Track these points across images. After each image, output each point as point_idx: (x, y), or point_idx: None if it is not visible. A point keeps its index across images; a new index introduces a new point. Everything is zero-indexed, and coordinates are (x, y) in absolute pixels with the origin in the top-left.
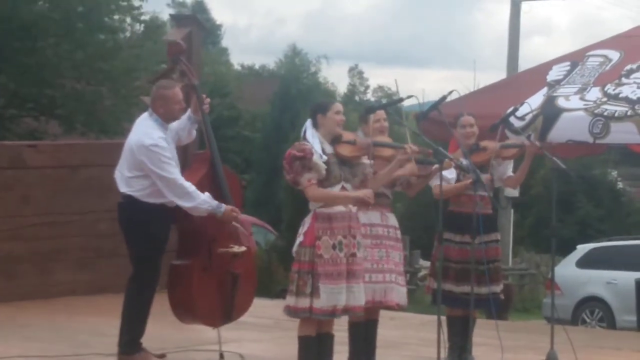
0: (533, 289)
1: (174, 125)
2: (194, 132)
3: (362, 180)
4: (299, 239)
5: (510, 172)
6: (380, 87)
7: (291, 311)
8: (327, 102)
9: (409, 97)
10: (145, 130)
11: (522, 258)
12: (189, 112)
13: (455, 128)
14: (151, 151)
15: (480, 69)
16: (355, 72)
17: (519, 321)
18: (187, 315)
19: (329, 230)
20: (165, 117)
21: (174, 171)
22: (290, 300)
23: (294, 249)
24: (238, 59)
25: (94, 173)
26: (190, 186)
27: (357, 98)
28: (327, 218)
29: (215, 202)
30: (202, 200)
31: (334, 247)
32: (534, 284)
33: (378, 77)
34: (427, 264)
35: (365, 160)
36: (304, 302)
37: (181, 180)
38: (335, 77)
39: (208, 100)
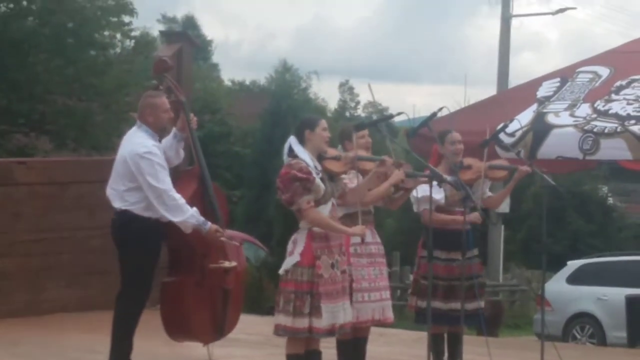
0: (524, 305)
1: (161, 145)
2: (182, 152)
3: (341, 194)
4: (294, 258)
5: (488, 192)
6: (371, 103)
7: (288, 331)
8: (315, 118)
9: (399, 113)
10: (137, 141)
11: (512, 274)
12: (174, 130)
13: (442, 144)
14: (145, 159)
15: (470, 84)
16: (346, 88)
17: (509, 337)
18: (179, 333)
19: (327, 249)
20: (155, 125)
21: (167, 181)
22: (285, 320)
23: (286, 267)
24: (229, 74)
25: (85, 190)
26: (180, 199)
27: (347, 114)
28: (324, 238)
29: (201, 218)
30: (190, 215)
31: (332, 266)
32: (524, 300)
33: (368, 93)
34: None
35: (350, 174)
36: (303, 322)
37: (173, 191)
38: (326, 93)
39: (195, 119)
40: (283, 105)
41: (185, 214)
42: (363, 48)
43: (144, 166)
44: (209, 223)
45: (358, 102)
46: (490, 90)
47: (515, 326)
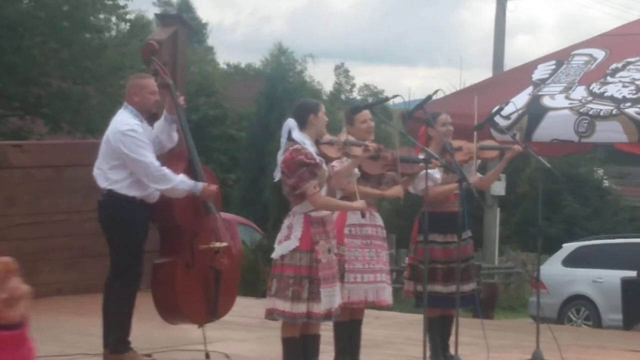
0: (519, 288)
1: (154, 131)
2: (175, 135)
3: (327, 177)
4: (292, 243)
5: (474, 173)
6: (367, 86)
7: (286, 317)
8: (317, 102)
9: (395, 96)
10: (120, 119)
11: (508, 256)
12: (165, 113)
13: (434, 126)
14: (127, 135)
15: (466, 67)
16: (341, 71)
17: (505, 320)
18: (172, 314)
19: (324, 234)
20: (140, 106)
21: (149, 155)
22: (283, 305)
23: (283, 252)
24: (224, 57)
25: (80, 173)
26: (164, 169)
27: (343, 97)
28: (321, 222)
29: (191, 181)
30: (179, 181)
31: (329, 250)
32: (520, 283)
33: (364, 76)
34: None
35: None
36: (301, 308)
37: (156, 163)
38: (321, 76)
39: (182, 98)
40: (278, 88)
41: (172, 181)
42: (358, 31)
43: (126, 143)
44: (200, 183)
45: (353, 85)
46: (486, 73)
47: (510, 308)
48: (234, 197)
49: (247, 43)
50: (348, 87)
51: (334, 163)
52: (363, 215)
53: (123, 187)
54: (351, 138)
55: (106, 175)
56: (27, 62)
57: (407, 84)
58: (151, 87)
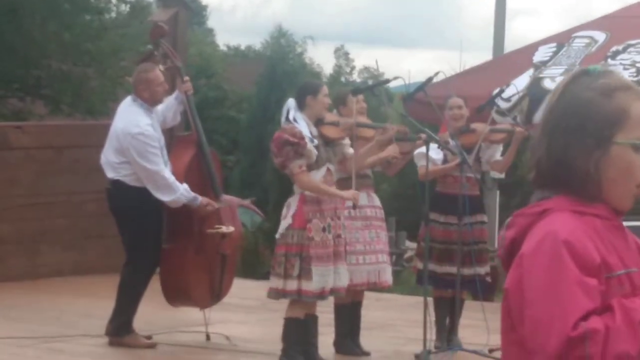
0: None
1: (161, 106)
2: (179, 116)
3: (341, 160)
4: (287, 221)
5: (498, 156)
6: (367, 68)
7: (279, 293)
8: (317, 83)
9: (395, 78)
10: (131, 117)
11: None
12: (176, 92)
13: (444, 109)
14: (137, 140)
15: (466, 50)
16: (341, 53)
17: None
18: (178, 298)
19: (319, 213)
20: (151, 100)
21: (159, 162)
22: (277, 282)
23: (280, 231)
24: (224, 39)
25: (80, 154)
26: (170, 177)
27: (343, 79)
28: (316, 201)
29: (192, 194)
30: (180, 194)
31: (324, 229)
32: None
33: (364, 58)
34: (413, 245)
35: (346, 140)
36: (292, 285)
37: (164, 172)
38: (321, 58)
39: (188, 80)
40: (278, 70)
41: (175, 192)
42: (358, 13)
43: (136, 146)
44: (199, 198)
45: (353, 68)
46: (486, 56)
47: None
48: (233, 179)
49: (247, 25)
50: (348, 70)
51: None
52: (354, 207)
53: (131, 180)
54: (361, 120)
55: (114, 168)
56: (28, 44)
57: (407, 66)
58: (158, 79)
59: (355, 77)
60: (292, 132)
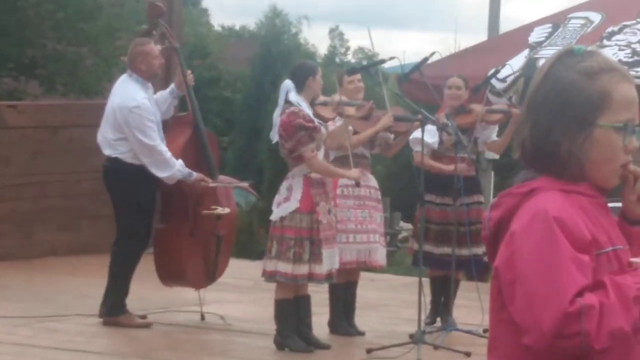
0: None
1: (154, 97)
2: (172, 110)
3: (323, 139)
4: (292, 204)
5: (494, 137)
6: (361, 49)
7: (288, 278)
8: (314, 64)
9: (391, 58)
10: (127, 92)
11: None
12: (172, 86)
13: (441, 90)
14: (134, 114)
15: (460, 31)
16: (336, 34)
17: None
18: (172, 279)
19: (324, 195)
20: (147, 74)
21: (155, 137)
22: (285, 267)
23: (282, 214)
24: (218, 20)
25: (75, 134)
26: (167, 152)
27: (337, 60)
28: (321, 184)
29: (186, 170)
30: (176, 169)
31: (329, 211)
32: None
33: (359, 39)
34: (408, 226)
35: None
36: (303, 269)
37: (161, 146)
38: (316, 39)
39: (191, 73)
40: (273, 50)
41: (172, 168)
42: None
43: (133, 121)
44: (194, 173)
45: (348, 48)
46: (481, 37)
47: None
48: (228, 160)
49: (241, 5)
50: (342, 50)
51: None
52: (358, 184)
53: (129, 157)
54: (344, 98)
55: (112, 145)
56: (22, 23)
57: (401, 47)
58: (154, 53)
59: (350, 57)
60: (303, 115)
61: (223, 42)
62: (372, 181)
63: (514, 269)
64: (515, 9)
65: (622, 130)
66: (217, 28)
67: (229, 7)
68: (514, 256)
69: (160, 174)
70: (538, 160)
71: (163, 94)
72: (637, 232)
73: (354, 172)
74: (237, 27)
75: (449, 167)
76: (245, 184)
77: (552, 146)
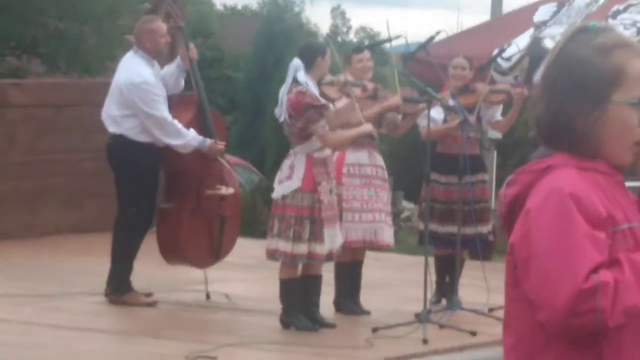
0: None
1: (161, 72)
2: (182, 82)
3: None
4: (294, 183)
5: (498, 116)
6: (363, 28)
7: (288, 257)
8: (323, 44)
9: (397, 37)
10: (133, 68)
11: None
12: (178, 60)
13: (446, 69)
14: (141, 89)
15: (462, 10)
16: (338, 13)
17: (502, 263)
18: (175, 258)
19: (326, 175)
20: (152, 51)
21: (163, 109)
22: (284, 245)
23: (284, 192)
24: None
25: (79, 112)
26: (178, 124)
27: (339, 39)
28: (323, 163)
29: (200, 138)
30: (191, 137)
31: (330, 191)
32: None
33: (360, 17)
34: (410, 205)
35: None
36: (302, 248)
37: (170, 118)
38: (318, 18)
39: (194, 47)
40: (276, 29)
41: (186, 136)
42: None
43: (140, 95)
44: (207, 140)
45: (350, 27)
46: (483, 17)
47: (505, 251)
48: (231, 139)
49: None
50: (344, 30)
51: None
52: (373, 138)
53: (134, 133)
54: (350, 78)
55: (117, 122)
56: (24, 2)
57: (402, 26)
58: (161, 31)
59: (352, 37)
60: (311, 94)
61: (225, 21)
62: (379, 160)
63: (529, 246)
64: None
65: (636, 106)
66: (218, 7)
67: None
68: (529, 233)
69: (175, 141)
70: (554, 137)
71: (170, 67)
72: None
73: (366, 126)
74: (239, 7)
75: (454, 122)
76: (248, 164)
77: (567, 123)
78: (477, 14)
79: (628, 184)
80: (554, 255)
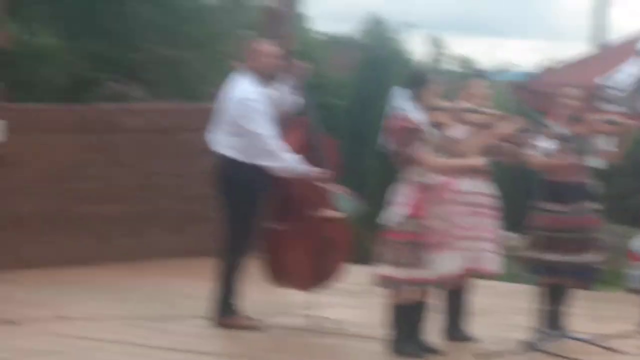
0: (616, 260)
1: (274, 93)
2: (298, 103)
3: (448, 145)
4: (402, 209)
5: (607, 146)
6: (459, 57)
7: (395, 283)
8: (429, 73)
9: (511, 66)
10: (240, 88)
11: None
12: (291, 81)
13: (554, 98)
14: (245, 104)
15: (559, 40)
16: (435, 41)
17: (608, 292)
18: (280, 279)
19: (434, 201)
20: (261, 71)
21: (267, 127)
22: (394, 272)
23: (394, 218)
24: (317, 26)
25: (185, 137)
26: (277, 144)
27: (439, 67)
28: (431, 189)
29: (303, 166)
30: (290, 162)
31: (438, 217)
32: (614, 255)
33: (458, 46)
34: (510, 234)
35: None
36: (410, 274)
37: (273, 137)
38: (416, 46)
39: (306, 66)
40: (377, 58)
41: (284, 159)
42: (451, 1)
43: (244, 111)
44: (304, 167)
45: (447, 56)
46: (581, 46)
47: (603, 281)
48: None
49: (340, 11)
50: (441, 58)
51: (455, 132)
52: (482, 170)
53: (241, 156)
54: (467, 104)
55: (223, 143)
56: (128, 28)
57: (501, 55)
58: (270, 51)
59: (450, 65)
60: (411, 121)
61: (327, 48)
62: (488, 188)
63: None
64: (616, 16)
65: None
66: (317, 35)
67: (326, 14)
68: None
69: (273, 163)
70: None
71: (283, 88)
72: None
73: (476, 160)
74: (337, 34)
75: (565, 161)
76: (349, 190)
77: None
78: (574, 41)
79: None
80: None
